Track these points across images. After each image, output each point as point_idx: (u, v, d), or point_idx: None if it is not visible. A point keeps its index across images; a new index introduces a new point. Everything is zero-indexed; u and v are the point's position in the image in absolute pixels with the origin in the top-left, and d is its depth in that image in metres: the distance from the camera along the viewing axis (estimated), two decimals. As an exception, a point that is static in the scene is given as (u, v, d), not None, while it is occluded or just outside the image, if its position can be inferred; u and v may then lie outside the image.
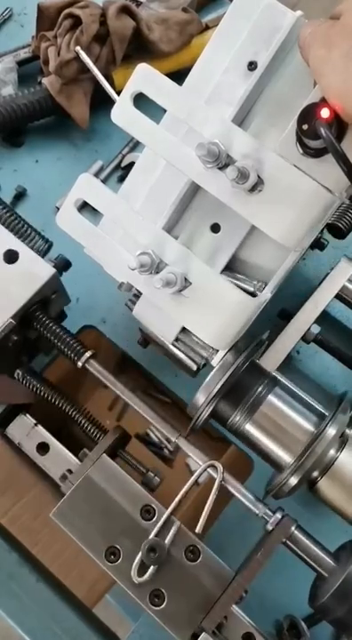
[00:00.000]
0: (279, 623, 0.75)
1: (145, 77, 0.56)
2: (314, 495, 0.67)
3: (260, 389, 0.66)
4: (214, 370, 0.62)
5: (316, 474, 0.65)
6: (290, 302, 0.85)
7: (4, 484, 0.82)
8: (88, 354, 0.69)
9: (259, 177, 0.53)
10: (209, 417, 0.66)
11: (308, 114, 0.49)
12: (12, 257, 0.68)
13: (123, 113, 0.57)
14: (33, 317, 0.69)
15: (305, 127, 0.49)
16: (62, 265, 0.72)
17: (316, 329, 0.81)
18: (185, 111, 0.55)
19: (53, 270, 0.68)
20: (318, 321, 0.81)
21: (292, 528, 0.62)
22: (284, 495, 0.64)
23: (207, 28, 0.99)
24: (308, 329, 0.80)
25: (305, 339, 0.81)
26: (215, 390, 0.61)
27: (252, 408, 0.65)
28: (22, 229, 0.72)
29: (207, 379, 0.62)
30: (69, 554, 0.81)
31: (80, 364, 0.69)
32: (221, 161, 0.53)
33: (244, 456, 0.85)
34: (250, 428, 0.66)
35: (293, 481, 0.62)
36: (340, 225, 0.81)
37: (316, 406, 0.66)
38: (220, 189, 0.55)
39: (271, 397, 0.65)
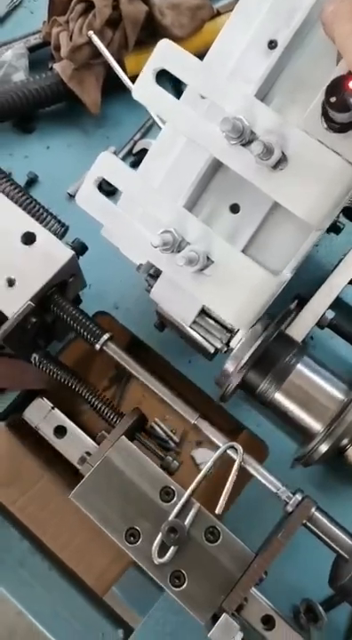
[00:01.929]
0: (296, 607, 0.75)
1: (167, 53, 0.55)
2: (343, 463, 0.68)
3: (288, 358, 0.66)
4: (243, 339, 0.62)
5: (345, 441, 0.65)
6: (303, 288, 0.85)
7: (10, 476, 0.82)
8: (106, 336, 0.69)
9: (283, 153, 0.53)
10: (237, 387, 0.66)
11: (337, 86, 0.48)
12: (29, 239, 0.67)
13: (144, 90, 0.57)
14: (51, 300, 0.69)
15: (333, 100, 0.48)
16: (79, 248, 0.71)
17: (330, 314, 0.81)
18: (208, 87, 0.54)
19: (72, 253, 0.68)
20: (332, 306, 0.81)
21: (313, 509, 0.62)
22: (313, 462, 0.65)
23: (219, 13, 0.99)
24: (323, 314, 0.80)
25: (320, 324, 0.81)
26: (246, 358, 0.61)
27: (281, 377, 0.66)
28: (38, 212, 0.72)
29: (236, 348, 0.63)
30: (79, 542, 0.80)
31: (98, 346, 0.68)
32: (245, 137, 0.53)
33: (257, 441, 0.85)
34: (279, 397, 0.66)
35: (323, 448, 0.63)
36: (356, 208, 0.81)
37: (345, 375, 0.66)
38: (243, 166, 0.54)
39: (300, 366, 0.66)
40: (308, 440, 0.66)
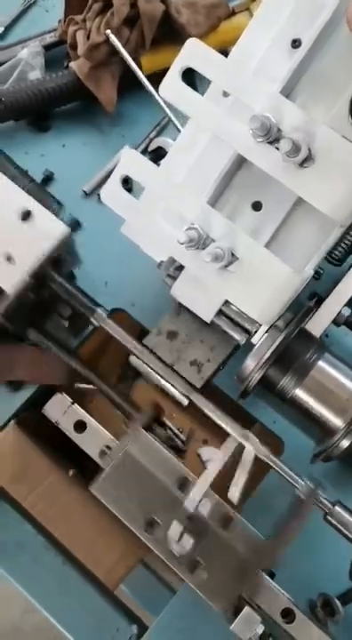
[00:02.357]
0: (312, 601, 0.75)
1: (194, 51, 0.56)
2: None
3: (309, 355, 0.67)
4: (264, 336, 0.63)
5: None
6: (320, 286, 0.86)
7: (20, 472, 0.82)
8: (100, 310, 0.70)
9: (309, 150, 0.53)
10: (258, 383, 0.66)
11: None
12: (26, 215, 0.69)
13: (171, 88, 0.57)
14: (47, 276, 0.70)
15: (362, 97, 0.49)
16: (73, 224, 0.72)
17: (346, 311, 0.82)
18: (234, 85, 0.55)
19: (67, 229, 0.69)
20: (348, 304, 0.81)
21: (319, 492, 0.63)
22: (334, 458, 0.66)
23: (234, 12, 0.99)
24: (339, 311, 0.81)
25: (336, 321, 0.82)
26: (267, 355, 0.62)
27: (302, 373, 0.66)
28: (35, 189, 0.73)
29: (257, 345, 0.63)
30: (88, 537, 0.81)
31: (94, 320, 0.70)
32: (272, 135, 0.53)
33: (273, 436, 0.85)
34: (300, 393, 0.67)
35: (345, 443, 0.64)
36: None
37: None
38: (269, 163, 0.55)
39: (321, 363, 0.67)
40: (329, 436, 0.67)
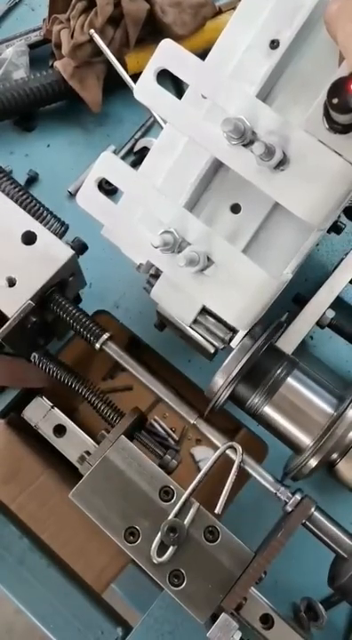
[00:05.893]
0: (296, 605, 0.75)
1: (169, 53, 0.55)
2: (333, 477, 0.67)
3: (279, 371, 0.66)
4: (233, 351, 0.61)
5: (335, 455, 0.65)
6: (304, 288, 0.85)
7: (10, 473, 0.82)
8: (106, 335, 0.69)
9: (284, 154, 0.53)
10: (227, 399, 0.65)
11: (339, 87, 0.48)
12: (29, 238, 0.67)
13: (146, 89, 0.56)
14: (51, 299, 0.68)
15: (335, 101, 0.48)
16: (80, 247, 0.71)
17: (330, 314, 0.81)
18: (209, 87, 0.54)
19: (72, 252, 0.68)
20: (332, 306, 0.80)
21: (312, 509, 0.62)
22: (302, 477, 0.64)
23: (220, 11, 0.98)
24: (323, 314, 0.80)
25: (320, 324, 0.81)
26: (235, 372, 0.61)
27: (271, 390, 0.65)
28: (39, 211, 0.72)
29: (226, 360, 0.62)
30: (78, 540, 0.81)
31: (98, 345, 0.68)
32: (246, 138, 0.53)
33: (257, 440, 0.85)
34: (269, 411, 0.66)
35: (313, 462, 0.62)
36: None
37: (335, 389, 0.66)
38: (244, 167, 0.54)
39: (290, 380, 0.65)
40: (298, 453, 0.66)
